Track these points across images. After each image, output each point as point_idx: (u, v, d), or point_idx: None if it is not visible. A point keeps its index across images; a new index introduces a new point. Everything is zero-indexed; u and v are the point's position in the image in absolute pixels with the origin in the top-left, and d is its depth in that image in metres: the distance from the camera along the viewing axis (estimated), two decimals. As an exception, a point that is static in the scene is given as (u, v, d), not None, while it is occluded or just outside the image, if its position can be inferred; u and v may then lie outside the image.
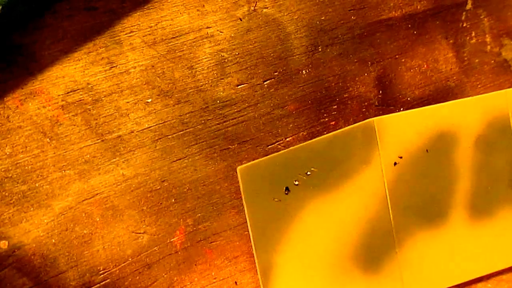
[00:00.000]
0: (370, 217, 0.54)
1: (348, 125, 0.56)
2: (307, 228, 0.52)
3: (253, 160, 0.52)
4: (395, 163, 0.55)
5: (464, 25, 0.61)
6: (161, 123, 0.48)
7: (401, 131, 0.55)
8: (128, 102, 0.47)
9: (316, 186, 0.52)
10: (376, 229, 0.54)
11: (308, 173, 0.52)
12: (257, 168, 0.51)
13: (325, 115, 0.55)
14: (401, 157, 0.55)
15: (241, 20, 0.51)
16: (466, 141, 0.57)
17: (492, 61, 0.63)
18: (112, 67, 0.47)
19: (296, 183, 0.52)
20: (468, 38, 0.62)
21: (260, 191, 0.51)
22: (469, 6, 0.61)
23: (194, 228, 0.50)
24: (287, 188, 0.51)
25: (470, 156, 0.58)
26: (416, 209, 0.55)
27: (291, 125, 0.54)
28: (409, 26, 0.58)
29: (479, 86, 0.63)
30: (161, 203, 0.49)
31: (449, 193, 0.57)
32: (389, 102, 0.58)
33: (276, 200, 0.51)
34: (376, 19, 0.57)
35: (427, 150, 0.56)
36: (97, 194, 0.47)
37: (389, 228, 0.54)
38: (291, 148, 0.52)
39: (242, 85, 0.51)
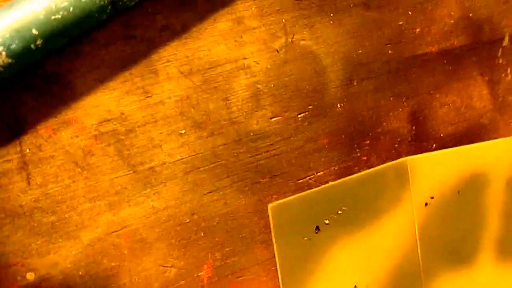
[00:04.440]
0: (399, 257, 0.53)
1: (380, 161, 0.55)
2: (336, 267, 0.51)
3: (284, 194, 0.51)
4: (426, 204, 0.53)
5: (500, 61, 0.60)
6: (193, 155, 0.48)
7: (433, 171, 0.54)
8: (161, 133, 0.46)
9: (347, 225, 0.51)
10: (404, 269, 0.53)
11: (339, 212, 0.51)
12: (288, 206, 0.50)
13: (357, 150, 0.54)
14: (432, 198, 0.54)
15: (278, 51, 0.50)
16: (497, 183, 0.56)
17: (527, 99, 0.62)
18: (147, 97, 0.46)
19: (327, 222, 0.51)
20: (503, 75, 0.61)
21: (291, 230, 0.50)
22: (506, 42, 0.60)
23: (222, 262, 0.49)
24: (317, 227, 0.50)
25: (500, 198, 0.56)
26: (444, 250, 0.54)
27: (323, 159, 0.53)
28: (445, 61, 0.57)
29: (512, 123, 0.62)
30: (190, 237, 0.48)
31: (477, 235, 0.56)
32: (422, 138, 0.57)
33: (306, 239, 0.50)
34: (413, 54, 0.56)
35: (458, 191, 0.55)
36: (126, 226, 0.46)
37: (417, 269, 0.53)
38: (323, 186, 0.51)
39: (276, 118, 0.50)
